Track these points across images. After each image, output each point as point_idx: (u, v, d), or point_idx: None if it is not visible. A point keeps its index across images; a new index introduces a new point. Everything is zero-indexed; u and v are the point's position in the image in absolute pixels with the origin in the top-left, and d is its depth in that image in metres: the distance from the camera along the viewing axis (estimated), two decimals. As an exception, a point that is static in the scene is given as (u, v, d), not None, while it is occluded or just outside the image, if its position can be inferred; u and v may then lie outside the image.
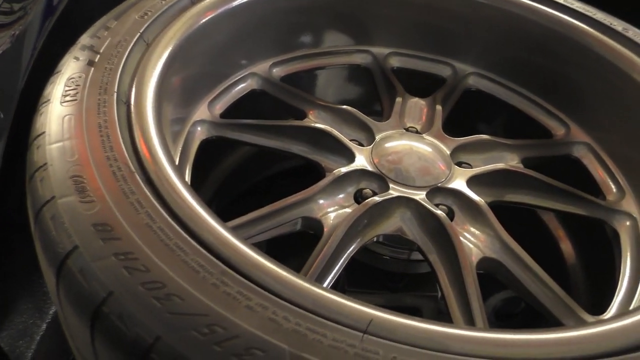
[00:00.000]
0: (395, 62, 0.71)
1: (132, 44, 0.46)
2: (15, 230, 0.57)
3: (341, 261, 0.46)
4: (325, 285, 0.42)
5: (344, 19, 0.69)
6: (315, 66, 0.69)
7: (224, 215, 0.40)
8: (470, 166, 0.56)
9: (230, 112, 0.60)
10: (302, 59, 0.68)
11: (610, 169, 0.59)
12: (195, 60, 0.54)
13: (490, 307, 0.79)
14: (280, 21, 0.64)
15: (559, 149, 0.62)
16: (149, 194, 0.35)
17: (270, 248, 0.55)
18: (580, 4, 0.64)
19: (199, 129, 0.55)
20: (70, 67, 0.44)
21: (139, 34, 0.48)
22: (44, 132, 0.39)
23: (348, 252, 0.47)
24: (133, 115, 0.40)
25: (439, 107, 0.62)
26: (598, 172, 0.59)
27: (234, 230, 0.40)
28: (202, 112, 0.57)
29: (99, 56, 0.45)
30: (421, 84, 0.69)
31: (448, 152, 0.56)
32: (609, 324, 0.35)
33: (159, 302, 0.29)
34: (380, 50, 0.71)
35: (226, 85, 0.61)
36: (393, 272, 0.56)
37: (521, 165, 0.57)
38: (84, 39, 0.48)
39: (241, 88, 0.62)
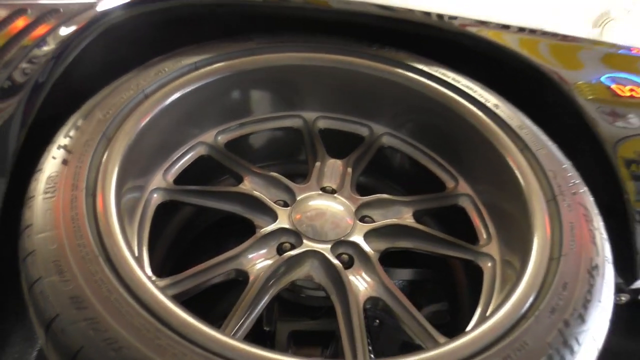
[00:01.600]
0: (322, 124, 0.86)
1: (97, 143, 0.60)
2: (8, 271, 0.70)
3: (263, 302, 0.60)
4: (245, 326, 0.57)
5: (277, 89, 0.83)
6: (254, 131, 0.83)
7: (178, 264, 0.54)
8: (372, 220, 0.71)
9: (182, 177, 0.75)
10: (242, 126, 0.82)
11: (484, 217, 0.75)
12: (151, 141, 0.69)
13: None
14: (223, 97, 0.79)
15: (448, 200, 0.77)
16: (108, 272, 0.49)
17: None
18: (465, 82, 0.79)
19: (155, 195, 0.70)
20: (49, 166, 0.58)
21: (102, 133, 0.62)
22: (31, 224, 0.53)
23: (269, 293, 0.61)
24: (98, 207, 0.54)
25: (349, 169, 0.77)
26: (475, 220, 0.75)
27: (180, 283, 0.55)
28: (157, 180, 0.71)
29: (71, 155, 0.59)
30: (345, 142, 0.84)
31: (353, 209, 0.71)
32: (448, 344, 0.51)
33: (114, 352, 0.44)
34: (309, 115, 0.86)
35: (178, 155, 0.76)
36: (313, 305, 0.71)
37: (412, 219, 0.73)
38: (59, 138, 0.61)
39: (191, 156, 0.77)
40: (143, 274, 0.50)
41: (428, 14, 0.82)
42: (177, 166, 0.75)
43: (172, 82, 0.72)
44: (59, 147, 0.60)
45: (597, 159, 0.78)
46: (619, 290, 0.78)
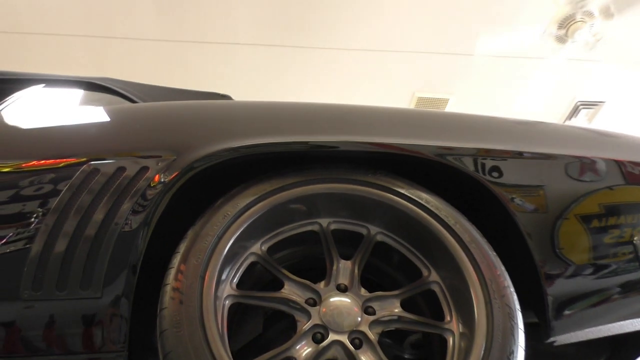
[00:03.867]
0: (333, 226, 1.19)
1: (197, 286, 0.94)
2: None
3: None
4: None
5: (303, 208, 1.16)
6: (285, 237, 1.17)
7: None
8: (374, 311, 1.06)
9: (241, 281, 1.08)
10: (278, 235, 1.16)
11: (447, 299, 1.10)
12: (224, 268, 1.02)
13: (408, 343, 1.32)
14: (268, 221, 1.12)
15: (424, 286, 1.12)
16: None
17: None
18: (434, 203, 1.13)
19: (227, 302, 1.04)
20: (171, 306, 0.91)
21: (199, 276, 0.95)
22: (170, 351, 0.87)
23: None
24: (209, 336, 0.88)
25: (356, 270, 1.11)
26: (444, 302, 1.10)
27: None
28: (227, 289, 1.05)
29: (184, 296, 0.92)
30: (351, 239, 1.18)
31: (360, 303, 1.06)
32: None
33: None
34: (324, 220, 1.19)
35: (238, 265, 1.09)
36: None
37: (399, 308, 1.07)
38: (172, 281, 0.94)
39: (246, 263, 1.10)
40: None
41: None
42: (237, 275, 1.08)
43: (234, 222, 1.05)
44: (173, 289, 0.94)
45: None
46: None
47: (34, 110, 1.70)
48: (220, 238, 1.02)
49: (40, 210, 1.02)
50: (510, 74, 4.46)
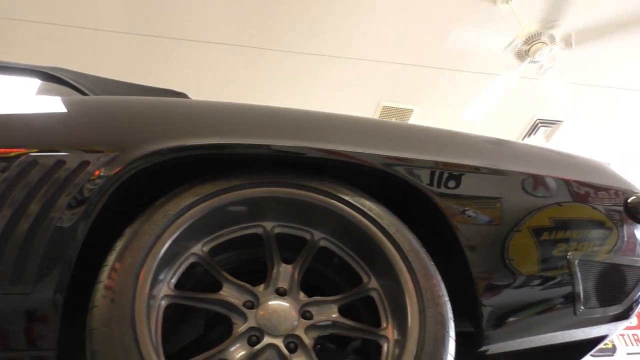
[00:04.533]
0: (277, 230, 1.19)
1: (131, 286, 0.93)
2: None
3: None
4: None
5: (247, 210, 1.16)
6: (228, 239, 1.16)
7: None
8: (311, 315, 1.06)
9: (180, 282, 1.07)
10: (221, 236, 1.15)
11: (385, 306, 1.12)
12: (162, 266, 1.01)
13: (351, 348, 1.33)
14: (210, 222, 1.11)
15: (363, 293, 1.14)
16: None
17: None
18: (377, 211, 1.15)
19: (163, 302, 1.03)
20: (103, 304, 0.90)
21: (133, 276, 0.94)
22: (97, 351, 0.85)
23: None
24: (138, 336, 0.87)
25: (296, 274, 1.12)
26: (381, 309, 1.12)
27: None
28: (165, 290, 1.04)
29: (116, 295, 0.91)
30: (295, 243, 1.19)
31: (298, 308, 1.06)
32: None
33: None
34: (268, 224, 1.19)
35: (177, 265, 1.08)
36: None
37: (337, 313, 1.08)
38: (105, 279, 0.93)
39: (185, 264, 1.10)
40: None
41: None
42: (176, 276, 1.07)
43: (174, 222, 1.04)
44: (106, 287, 0.92)
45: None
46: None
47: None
48: (158, 237, 1.01)
49: (-28, 201, 0.99)
50: (473, 89, 4.58)
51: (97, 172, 1.04)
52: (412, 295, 1.04)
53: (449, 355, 0.98)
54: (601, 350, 3.75)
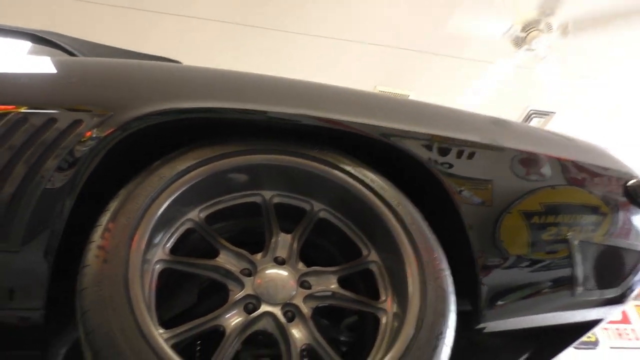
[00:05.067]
0: (276, 199, 1.16)
1: (125, 246, 0.89)
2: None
3: (234, 347, 0.92)
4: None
5: (246, 177, 1.13)
6: (225, 207, 1.13)
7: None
8: (310, 285, 1.04)
9: (177, 247, 1.04)
10: (218, 203, 1.12)
11: (384, 279, 1.10)
12: (157, 229, 0.97)
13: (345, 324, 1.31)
14: (207, 188, 1.07)
15: (362, 266, 1.11)
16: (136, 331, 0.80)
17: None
18: (379, 183, 1.12)
19: (157, 267, 0.99)
20: (94, 263, 0.86)
21: (127, 237, 0.90)
22: (87, 310, 0.82)
23: (239, 340, 0.93)
24: (131, 296, 0.84)
25: (295, 244, 1.09)
26: (381, 282, 1.10)
27: (177, 335, 0.87)
28: (159, 254, 1.00)
29: (109, 254, 0.87)
30: (294, 214, 1.16)
31: (297, 277, 1.04)
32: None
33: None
34: (267, 193, 1.16)
35: (172, 230, 1.05)
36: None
37: (336, 284, 1.06)
38: (97, 239, 0.89)
39: (181, 229, 1.06)
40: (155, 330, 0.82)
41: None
42: (172, 241, 1.04)
43: (170, 185, 1.00)
44: (99, 247, 0.88)
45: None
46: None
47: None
48: (153, 200, 0.97)
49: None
50: (469, 75, 4.55)
51: (89, 133, 1.00)
52: (414, 268, 1.02)
53: (448, 328, 0.96)
54: (584, 343, 3.78)
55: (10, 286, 0.89)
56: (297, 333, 0.97)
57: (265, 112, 1.14)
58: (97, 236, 0.90)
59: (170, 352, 0.81)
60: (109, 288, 0.84)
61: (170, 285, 1.11)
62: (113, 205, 0.95)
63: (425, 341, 0.93)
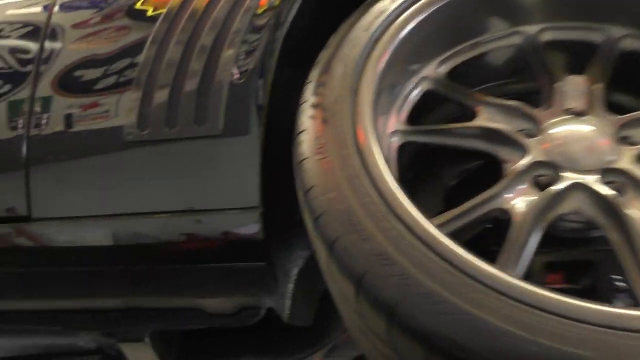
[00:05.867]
0: (547, 36, 0.77)
1: (348, 99, 0.61)
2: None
3: (533, 241, 0.58)
4: (523, 267, 0.56)
5: (493, 7, 0.76)
6: (473, 57, 0.78)
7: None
8: (636, 142, 0.64)
9: (414, 118, 0.73)
10: (459, 53, 0.77)
11: None
12: (385, 90, 0.68)
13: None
14: (439, 28, 0.74)
15: None
16: (401, 228, 0.51)
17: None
18: None
19: (393, 139, 0.70)
20: (311, 126, 0.60)
21: (349, 88, 0.62)
22: (313, 186, 0.56)
23: (538, 231, 0.59)
24: (370, 165, 0.56)
25: (597, 85, 0.69)
26: None
27: (447, 224, 0.56)
28: (393, 124, 0.71)
29: (328, 113, 0.61)
30: (577, 54, 0.76)
31: (612, 131, 0.64)
32: None
33: (434, 306, 0.46)
34: (531, 29, 0.77)
35: (405, 93, 0.74)
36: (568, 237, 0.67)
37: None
38: (310, 97, 0.63)
39: (416, 92, 0.75)
40: (430, 225, 0.52)
41: None
42: (405, 107, 0.73)
43: (394, 21, 0.69)
44: (313, 105, 0.62)
45: None
46: None
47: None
48: (376, 41, 0.67)
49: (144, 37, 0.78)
50: None
51: None
52: None
53: None
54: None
55: (215, 179, 0.70)
56: (636, 214, 0.58)
57: None
58: (308, 94, 0.64)
59: (440, 235, 0.50)
60: (336, 153, 0.57)
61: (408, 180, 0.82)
62: (324, 55, 0.68)
63: None
